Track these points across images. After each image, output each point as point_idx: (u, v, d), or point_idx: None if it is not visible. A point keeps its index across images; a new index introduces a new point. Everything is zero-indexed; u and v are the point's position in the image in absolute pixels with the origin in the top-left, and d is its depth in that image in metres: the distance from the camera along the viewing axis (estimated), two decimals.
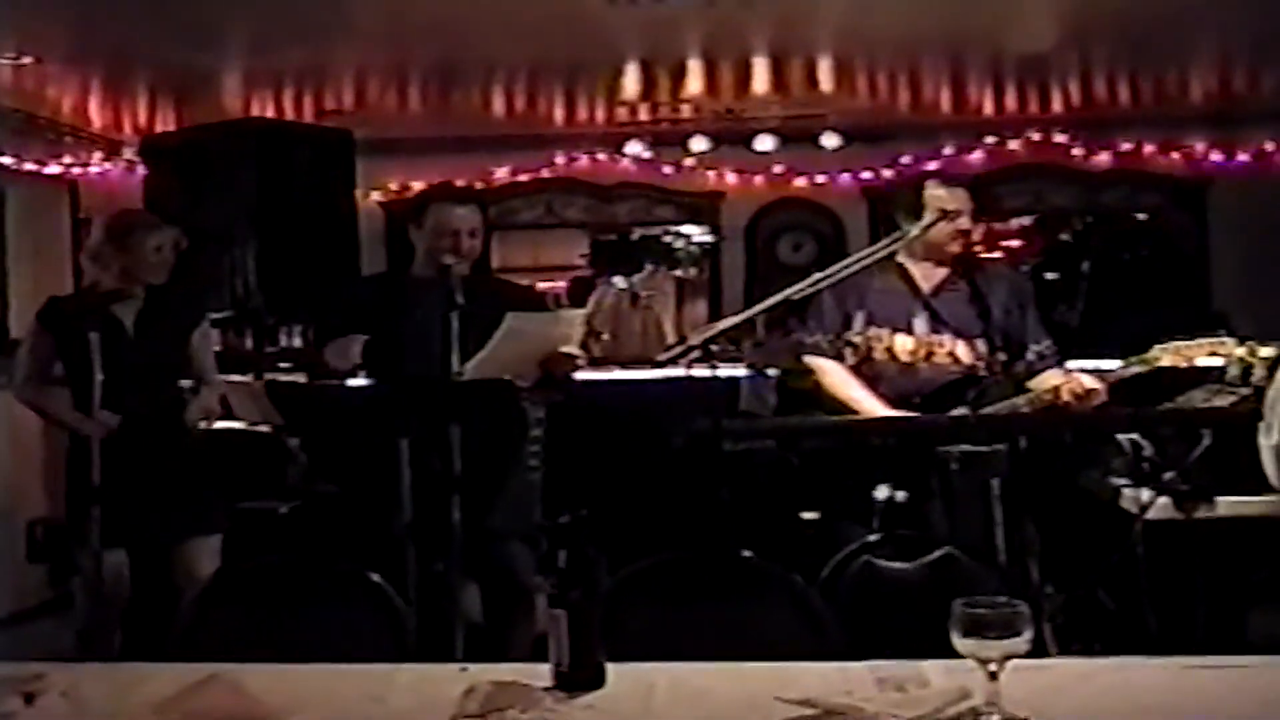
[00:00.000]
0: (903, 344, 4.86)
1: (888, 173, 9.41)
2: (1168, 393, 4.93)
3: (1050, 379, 4.79)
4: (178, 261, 5.19)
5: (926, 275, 4.93)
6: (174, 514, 5.05)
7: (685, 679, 2.66)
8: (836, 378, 4.89)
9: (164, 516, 5.03)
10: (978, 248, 4.98)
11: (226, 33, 6.70)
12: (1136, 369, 4.65)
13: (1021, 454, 4.54)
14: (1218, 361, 4.63)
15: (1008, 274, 5.19)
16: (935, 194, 4.91)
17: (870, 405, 4.77)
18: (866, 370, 4.87)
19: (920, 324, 4.86)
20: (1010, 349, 4.90)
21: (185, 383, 5.25)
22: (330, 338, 4.91)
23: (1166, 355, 4.60)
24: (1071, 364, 4.95)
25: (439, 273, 4.72)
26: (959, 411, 4.72)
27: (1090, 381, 4.68)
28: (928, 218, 4.83)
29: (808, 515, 3.38)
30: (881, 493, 4.55)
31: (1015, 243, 10.85)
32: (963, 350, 4.85)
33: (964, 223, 4.90)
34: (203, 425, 5.25)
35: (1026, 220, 10.69)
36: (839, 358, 4.91)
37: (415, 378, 4.68)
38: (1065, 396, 4.66)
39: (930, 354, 4.84)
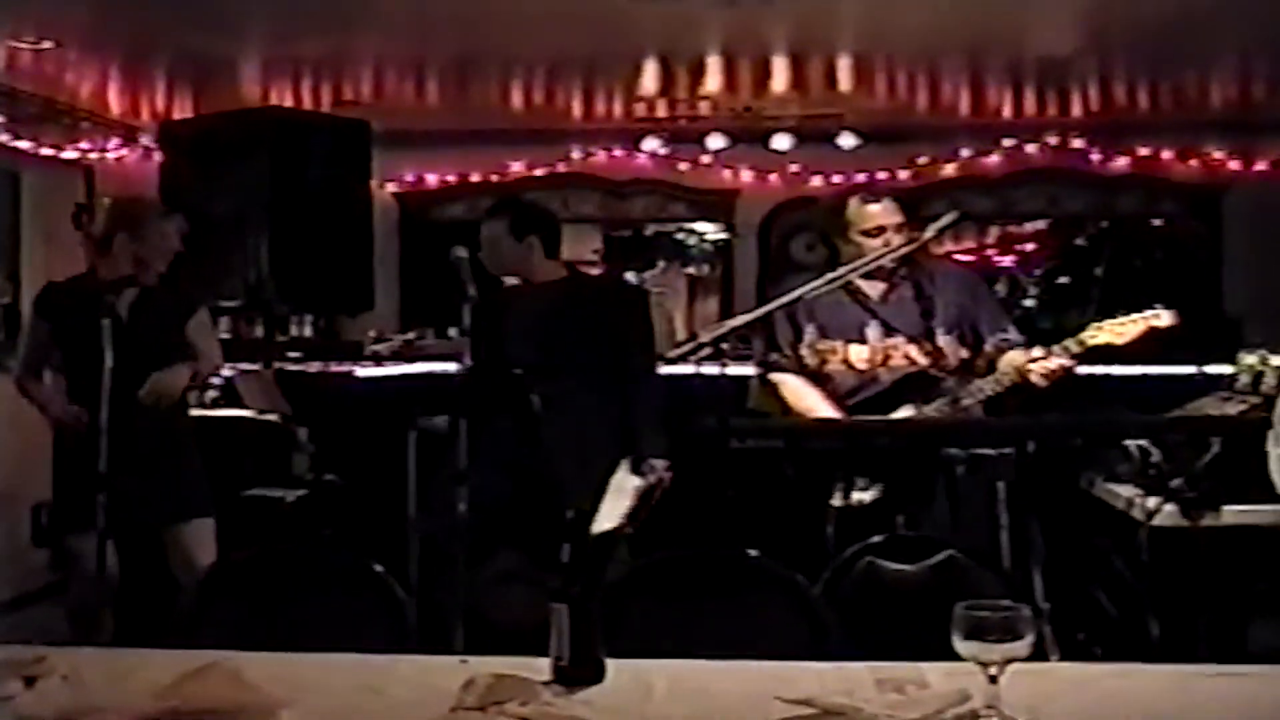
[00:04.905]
0: (858, 353, 4.93)
1: (904, 174, 9.39)
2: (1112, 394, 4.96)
3: (1016, 358, 4.81)
4: (185, 250, 5.20)
5: (872, 284, 4.95)
6: (161, 498, 5.06)
7: (685, 676, 2.66)
8: (798, 389, 4.96)
9: (151, 500, 5.04)
10: (918, 254, 4.99)
11: (246, 21, 6.71)
12: (1072, 349, 4.70)
13: (1028, 458, 4.54)
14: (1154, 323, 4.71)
15: (955, 271, 5.28)
16: (860, 211, 4.91)
17: (829, 415, 4.86)
18: (821, 380, 4.94)
19: (872, 333, 4.93)
20: (968, 343, 4.95)
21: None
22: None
23: (1101, 333, 4.66)
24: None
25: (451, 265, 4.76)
26: (908, 411, 4.80)
27: (1060, 361, 4.69)
28: (852, 241, 4.86)
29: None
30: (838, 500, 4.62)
31: (1029, 246, 10.86)
32: (916, 352, 4.90)
33: (895, 239, 4.85)
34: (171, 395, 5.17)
35: (1041, 224, 10.70)
36: (797, 370, 4.98)
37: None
38: (1036, 378, 4.70)
39: (887, 358, 4.90)
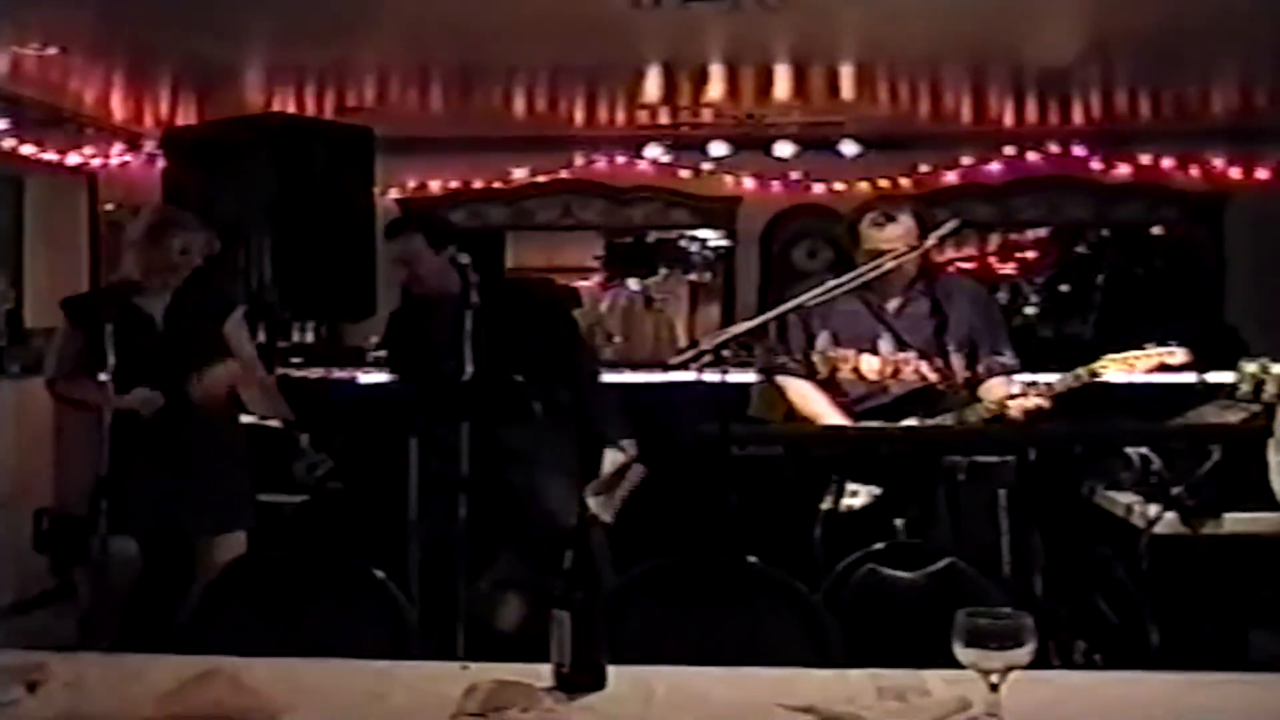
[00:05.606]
0: (869, 364, 4.94)
1: (905, 182, 9.39)
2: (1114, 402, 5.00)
3: (997, 391, 4.84)
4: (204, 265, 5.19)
5: (887, 295, 4.95)
6: (204, 507, 5.06)
7: (685, 683, 2.66)
8: (805, 394, 4.98)
9: (193, 509, 5.03)
10: (934, 267, 5.01)
11: (249, 28, 6.70)
12: (1083, 379, 4.71)
13: (1029, 466, 4.55)
14: (1168, 360, 4.71)
15: (969, 287, 5.32)
16: (868, 234, 4.89)
17: (833, 421, 4.87)
18: (829, 387, 4.96)
19: (885, 344, 4.94)
20: (971, 361, 4.97)
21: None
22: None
23: (1112, 365, 4.65)
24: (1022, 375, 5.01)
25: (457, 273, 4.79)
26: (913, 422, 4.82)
27: (1037, 400, 4.72)
28: (861, 260, 4.81)
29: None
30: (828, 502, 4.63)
31: (1030, 254, 10.87)
32: (927, 368, 4.91)
33: (909, 264, 4.85)
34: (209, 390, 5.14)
35: (1043, 232, 10.71)
36: (806, 376, 5.00)
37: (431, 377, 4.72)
38: (1014, 413, 4.72)
39: (897, 371, 4.91)
